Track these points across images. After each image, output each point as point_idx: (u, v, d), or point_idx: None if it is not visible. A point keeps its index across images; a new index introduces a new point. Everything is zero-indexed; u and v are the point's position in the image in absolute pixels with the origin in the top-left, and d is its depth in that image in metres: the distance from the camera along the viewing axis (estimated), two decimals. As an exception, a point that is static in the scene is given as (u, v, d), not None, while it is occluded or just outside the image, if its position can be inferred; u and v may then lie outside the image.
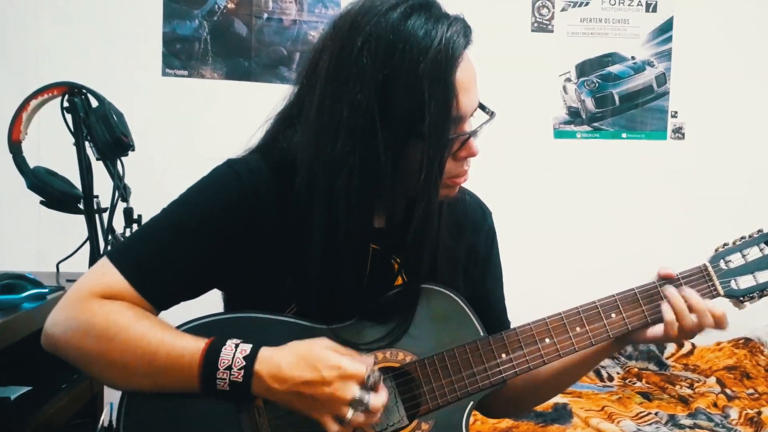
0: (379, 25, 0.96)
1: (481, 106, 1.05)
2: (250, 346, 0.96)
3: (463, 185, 1.19)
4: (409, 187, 1.00)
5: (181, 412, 0.99)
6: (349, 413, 0.94)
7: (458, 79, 0.97)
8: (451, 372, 1.07)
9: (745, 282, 1.15)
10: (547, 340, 1.11)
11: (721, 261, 1.16)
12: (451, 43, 0.96)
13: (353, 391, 0.94)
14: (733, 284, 1.15)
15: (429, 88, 0.94)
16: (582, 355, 1.17)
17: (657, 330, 1.13)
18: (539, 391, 1.24)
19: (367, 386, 0.95)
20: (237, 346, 0.95)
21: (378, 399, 0.96)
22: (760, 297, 1.16)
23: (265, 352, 0.96)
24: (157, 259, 1.02)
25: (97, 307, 0.98)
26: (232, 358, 0.94)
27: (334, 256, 1.02)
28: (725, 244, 1.18)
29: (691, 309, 1.11)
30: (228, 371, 0.94)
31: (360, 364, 0.96)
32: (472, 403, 1.09)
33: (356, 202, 1.00)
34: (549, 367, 1.18)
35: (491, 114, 1.04)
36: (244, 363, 0.94)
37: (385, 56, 0.95)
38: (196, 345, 0.96)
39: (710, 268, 1.16)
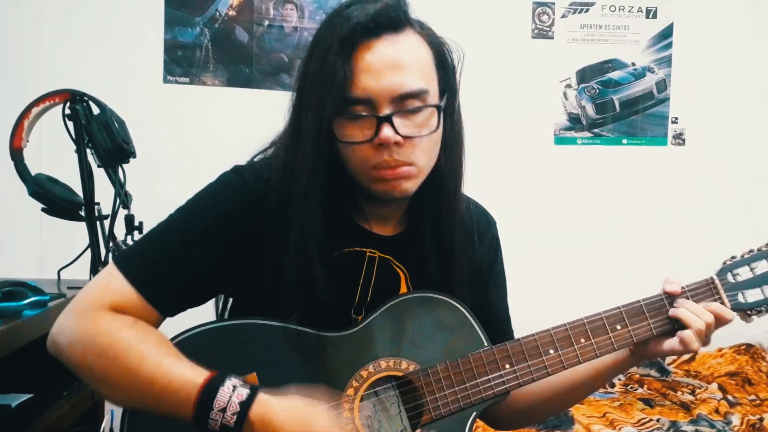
0: (317, 31, 1.04)
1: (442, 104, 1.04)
2: (248, 391, 0.94)
3: (468, 195, 1.19)
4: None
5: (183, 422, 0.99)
6: None
7: (359, 60, 0.99)
8: (455, 382, 1.07)
9: (753, 295, 1.14)
10: (552, 352, 1.10)
11: (729, 274, 1.15)
12: (349, 27, 0.99)
13: None
14: (740, 297, 1.14)
15: (316, 68, 1.00)
16: (595, 371, 1.17)
17: (674, 342, 1.11)
18: (550, 405, 1.23)
19: None
20: (235, 388, 0.94)
21: None
22: None
23: (261, 400, 0.94)
24: (164, 266, 1.02)
25: (102, 322, 0.97)
26: (228, 401, 0.93)
27: (293, 257, 1.03)
28: (733, 257, 1.17)
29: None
30: (222, 414, 0.93)
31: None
32: (474, 413, 1.08)
33: (292, 191, 1.02)
34: (561, 382, 1.18)
35: (434, 106, 1.02)
36: (239, 409, 0.93)
37: (306, 56, 1.04)
38: (193, 380, 0.94)
39: (717, 281, 1.15)
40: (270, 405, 0.94)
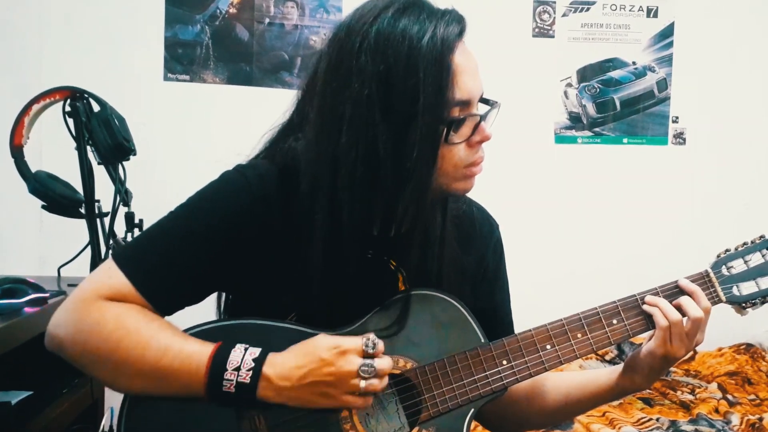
0: (375, 25, 0.99)
1: (485, 101, 1.06)
2: (259, 349, 0.97)
3: (470, 197, 1.19)
4: (409, 179, 1.00)
5: (181, 418, 0.99)
6: (362, 383, 0.96)
7: (458, 62, 0.99)
8: (452, 379, 1.07)
9: (747, 288, 1.15)
10: (549, 347, 1.10)
11: (723, 267, 1.16)
12: (445, 28, 0.99)
13: (356, 361, 0.96)
14: (735, 290, 1.15)
15: (424, 70, 0.97)
16: (589, 391, 1.19)
17: (653, 344, 1.11)
18: (544, 415, 1.24)
19: (369, 354, 0.97)
20: (246, 349, 0.97)
21: (383, 362, 0.98)
22: (762, 303, 1.16)
23: (273, 357, 0.97)
24: (163, 265, 1.02)
25: (105, 308, 0.98)
26: (242, 359, 0.95)
27: (335, 256, 1.02)
28: (727, 250, 1.18)
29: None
30: (236, 372, 0.95)
31: (355, 337, 0.98)
32: (473, 410, 1.08)
33: (359, 196, 1.00)
34: (561, 397, 1.20)
35: (494, 104, 1.06)
36: (253, 365, 0.95)
37: (383, 50, 0.98)
38: (204, 348, 0.97)
39: (712, 274, 1.15)
40: (280, 358, 0.97)
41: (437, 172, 1.01)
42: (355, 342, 0.97)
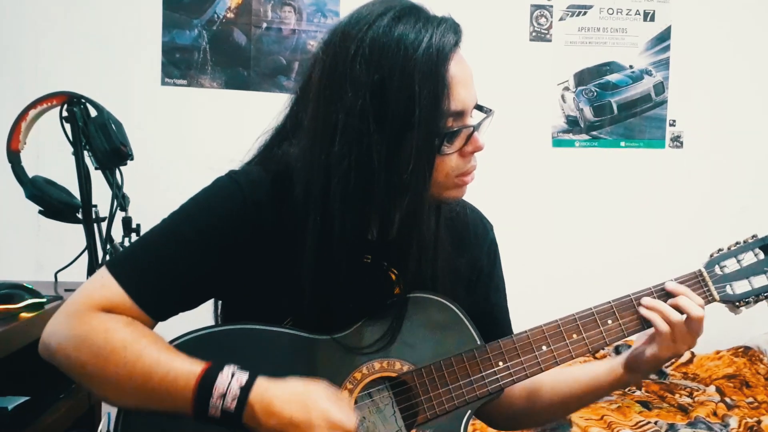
0: (370, 32, 0.98)
1: (479, 107, 1.06)
2: (247, 375, 0.95)
3: (464, 199, 1.19)
4: (405, 190, 1.01)
5: (177, 423, 0.99)
6: None
7: (453, 73, 0.99)
8: (449, 381, 1.07)
9: (741, 287, 1.16)
10: (544, 348, 1.11)
11: (716, 266, 1.17)
12: (441, 38, 0.98)
13: None
14: (728, 289, 1.16)
15: (420, 81, 0.96)
16: (590, 384, 1.19)
17: (657, 346, 1.12)
18: (544, 412, 1.24)
19: None
20: (233, 374, 0.95)
21: None
22: (756, 302, 1.16)
23: (261, 384, 0.95)
24: (157, 272, 1.02)
25: (95, 321, 0.97)
26: (228, 386, 0.94)
27: (327, 263, 1.02)
28: (720, 250, 1.19)
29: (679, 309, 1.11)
30: (222, 399, 0.93)
31: (350, 416, 0.96)
32: (469, 411, 1.08)
33: (351, 205, 1.00)
34: (558, 390, 1.20)
35: (489, 111, 1.05)
36: (239, 393, 0.94)
37: (378, 59, 0.97)
38: (191, 370, 0.95)
39: (705, 274, 1.16)
40: (270, 388, 0.95)
41: (432, 181, 1.01)
42: (346, 421, 0.95)
